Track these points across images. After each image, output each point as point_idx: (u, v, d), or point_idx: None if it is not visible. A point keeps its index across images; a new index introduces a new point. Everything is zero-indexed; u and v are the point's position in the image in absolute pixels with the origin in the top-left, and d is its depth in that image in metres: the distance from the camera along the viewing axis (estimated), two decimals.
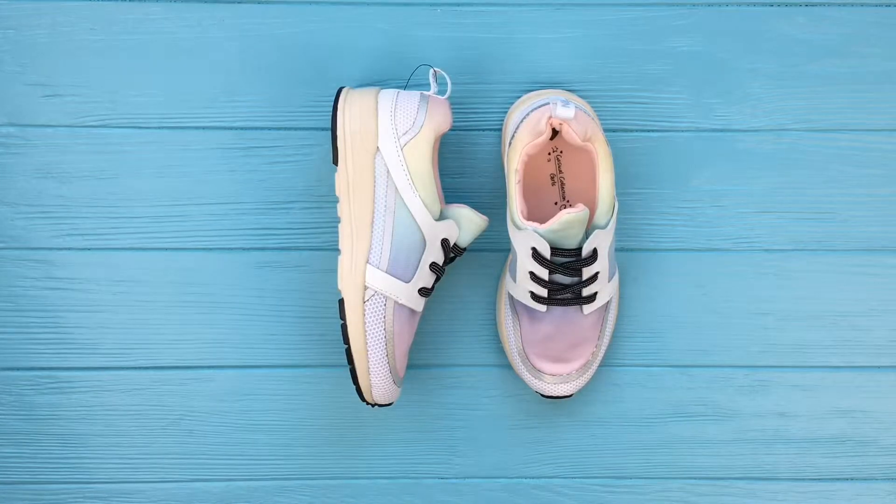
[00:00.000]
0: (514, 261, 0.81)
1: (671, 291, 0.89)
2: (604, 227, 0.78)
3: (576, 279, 0.80)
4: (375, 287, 0.79)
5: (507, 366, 0.90)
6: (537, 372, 0.85)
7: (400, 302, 0.80)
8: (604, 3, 0.85)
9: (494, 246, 0.88)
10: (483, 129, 0.87)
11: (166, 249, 0.88)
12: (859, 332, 0.90)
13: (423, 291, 0.81)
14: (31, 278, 0.88)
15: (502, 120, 0.86)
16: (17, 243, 0.87)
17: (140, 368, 0.89)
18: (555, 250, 0.78)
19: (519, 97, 0.85)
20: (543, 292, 0.80)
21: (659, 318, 0.89)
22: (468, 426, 0.91)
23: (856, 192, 0.88)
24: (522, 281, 0.81)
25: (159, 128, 0.86)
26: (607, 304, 0.85)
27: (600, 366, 0.89)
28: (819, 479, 0.92)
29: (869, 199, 0.88)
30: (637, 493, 0.92)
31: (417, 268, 0.80)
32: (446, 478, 0.92)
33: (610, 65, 0.86)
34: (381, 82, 0.85)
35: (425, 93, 0.81)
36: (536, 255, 0.78)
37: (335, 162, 0.79)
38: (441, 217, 0.81)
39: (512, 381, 0.90)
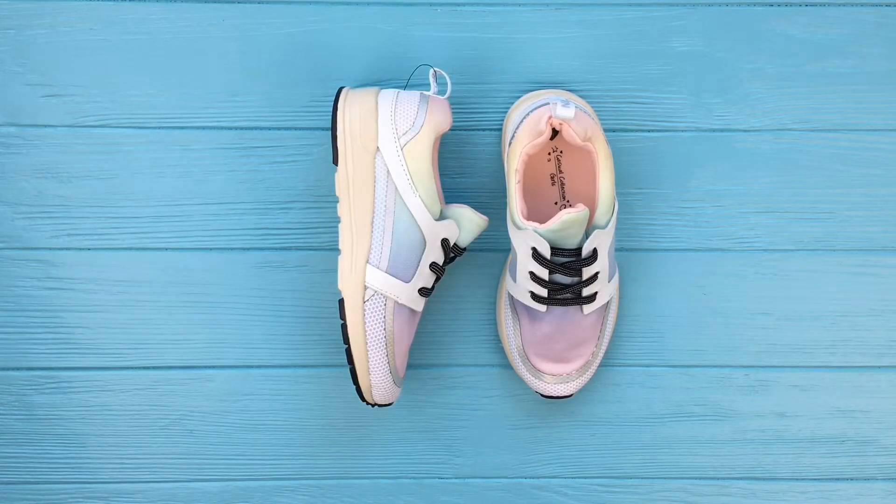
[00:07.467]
0: (514, 261, 0.81)
1: (671, 291, 0.89)
2: (604, 227, 0.78)
3: (576, 279, 0.80)
4: (375, 287, 0.79)
5: (507, 366, 0.90)
6: (537, 372, 0.85)
7: (400, 302, 0.80)
8: (604, 3, 0.85)
9: (494, 246, 0.88)
10: (483, 129, 0.87)
11: (166, 249, 0.88)
12: (859, 332, 0.90)
13: (423, 291, 0.81)
14: (31, 278, 0.88)
15: (502, 120, 0.86)
16: (17, 243, 0.87)
17: (140, 368, 0.89)
18: (555, 250, 0.78)
19: (519, 97, 0.85)
20: (543, 292, 0.80)
21: (659, 318, 0.89)
22: (468, 426, 0.91)
23: (855, 192, 0.88)
24: (522, 281, 0.81)
25: (159, 128, 0.86)
26: (607, 304, 0.85)
27: (600, 366, 0.89)
28: (819, 479, 0.92)
29: (869, 199, 0.88)
30: (637, 493, 0.92)
31: (417, 268, 0.80)
32: (446, 478, 0.92)
33: (610, 65, 0.86)
34: (381, 82, 0.85)
35: (425, 93, 0.81)
36: (536, 254, 0.78)
37: (335, 162, 0.79)
38: (441, 217, 0.81)
39: (512, 381, 0.90)
